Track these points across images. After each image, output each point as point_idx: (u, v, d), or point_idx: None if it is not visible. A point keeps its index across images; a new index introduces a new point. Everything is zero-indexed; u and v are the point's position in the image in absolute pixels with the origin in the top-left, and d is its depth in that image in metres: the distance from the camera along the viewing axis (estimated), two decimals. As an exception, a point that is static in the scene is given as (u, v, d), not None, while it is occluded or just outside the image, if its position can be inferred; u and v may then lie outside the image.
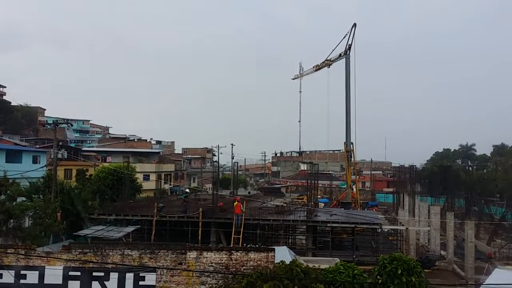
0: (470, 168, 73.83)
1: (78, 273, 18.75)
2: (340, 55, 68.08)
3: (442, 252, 40.55)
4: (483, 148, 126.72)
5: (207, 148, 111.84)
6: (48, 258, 19.06)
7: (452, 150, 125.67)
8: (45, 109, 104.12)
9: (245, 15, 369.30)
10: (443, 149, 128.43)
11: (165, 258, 19.49)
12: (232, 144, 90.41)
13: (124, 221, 36.72)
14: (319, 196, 65.89)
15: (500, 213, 53.56)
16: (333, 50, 70.15)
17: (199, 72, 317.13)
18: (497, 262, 36.34)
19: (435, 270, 35.26)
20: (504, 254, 42.24)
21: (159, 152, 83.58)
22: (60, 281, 18.55)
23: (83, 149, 71.53)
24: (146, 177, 62.09)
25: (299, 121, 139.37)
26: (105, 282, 18.62)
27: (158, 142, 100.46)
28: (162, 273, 19.14)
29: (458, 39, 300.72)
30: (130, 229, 34.50)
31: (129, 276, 18.67)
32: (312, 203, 44.56)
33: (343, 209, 51.24)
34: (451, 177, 68.25)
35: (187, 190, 40.91)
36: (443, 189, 65.46)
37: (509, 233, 47.67)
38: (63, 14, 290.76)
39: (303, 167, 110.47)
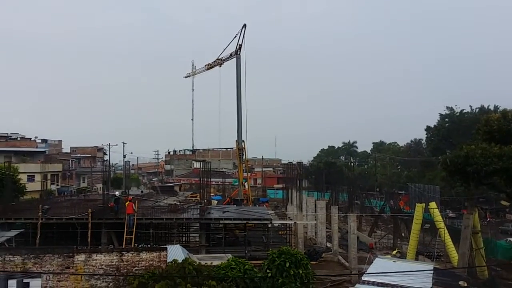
0: (352, 164, 78.72)
1: (-48, 283, 17.46)
2: (231, 54, 68.87)
3: (328, 244, 42.43)
4: (364, 145, 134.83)
5: (97, 147, 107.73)
6: None
7: (336, 147, 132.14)
8: None
9: (134, 10, 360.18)
10: (328, 146, 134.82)
11: (51, 262, 18.81)
12: (123, 143, 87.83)
13: (6, 225, 34.44)
14: (212, 194, 66.40)
15: (380, 206, 57.03)
16: (224, 50, 70.76)
17: (85, 66, 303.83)
18: (377, 252, 38.98)
19: (322, 262, 36.70)
20: (384, 244, 45.14)
21: (45, 151, 79.43)
22: None
23: (-42, 148, 65.83)
24: (31, 178, 58.79)
25: (192, 119, 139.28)
26: (-15, 291, 17.53)
27: (44, 141, 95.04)
28: (48, 278, 18.47)
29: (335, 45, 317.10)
30: (12, 233, 32.49)
31: (12, 283, 17.67)
32: (205, 200, 44.90)
33: (235, 205, 52.13)
34: (335, 172, 72.30)
35: (117, 193, 39.22)
36: (328, 184, 69.03)
37: (388, 224, 51.20)
38: None
39: (197, 165, 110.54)
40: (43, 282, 18.25)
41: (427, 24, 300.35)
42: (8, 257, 18.63)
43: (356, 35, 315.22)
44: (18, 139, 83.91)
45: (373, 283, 18.91)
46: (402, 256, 34.67)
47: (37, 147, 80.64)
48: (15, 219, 34.89)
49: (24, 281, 17.88)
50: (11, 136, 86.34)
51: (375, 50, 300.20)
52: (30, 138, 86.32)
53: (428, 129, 74.93)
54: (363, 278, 20.04)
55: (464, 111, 72.11)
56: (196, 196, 66.68)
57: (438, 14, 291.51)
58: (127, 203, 34.06)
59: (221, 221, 37.42)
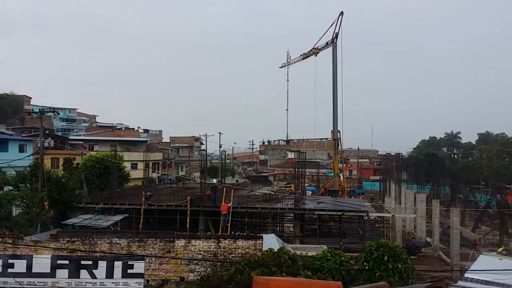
0: (456, 156, 74.54)
1: (66, 262, 18.79)
2: (327, 43, 67.97)
3: (428, 239, 40.91)
4: (469, 136, 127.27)
5: (194, 136, 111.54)
6: (36, 247, 19.06)
7: (438, 138, 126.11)
8: (31, 98, 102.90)
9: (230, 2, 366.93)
10: (429, 137, 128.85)
11: (153, 246, 19.60)
12: (219, 133, 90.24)
13: (112, 210, 36.60)
14: (306, 184, 66.10)
15: (485, 201, 54.08)
16: (320, 39, 70.11)
17: (183, 58, 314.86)
18: (482, 249, 36.78)
19: (421, 257, 35.49)
20: (489, 240, 42.68)
21: (146, 141, 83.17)
22: (48, 270, 18.58)
23: (70, 137, 70.95)
24: (134, 166, 61.94)
25: (287, 110, 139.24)
26: (94, 271, 18.68)
27: (146, 131, 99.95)
28: (150, 261, 19.26)
29: (443, 29, 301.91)
30: (118, 217, 34.40)
31: (118, 264, 18.75)
32: (300, 191, 44.72)
33: (330, 197, 51.50)
34: (437, 165, 68.96)
35: (214, 181, 40.68)
36: (429, 176, 66.07)
37: (494, 220, 48.22)
38: None
39: (291, 155, 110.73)
40: (146, 264, 19.06)
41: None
42: (115, 240, 19.67)
43: (453, 20, 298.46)
44: (123, 129, 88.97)
45: (477, 281, 17.74)
46: (509, 253, 32.50)
47: (139, 137, 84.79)
48: (120, 204, 37.07)
49: (128, 263, 18.83)
50: (116, 126, 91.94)
51: (485, 33, 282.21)
52: (133, 128, 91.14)
53: (540, 119, 69.12)
54: (466, 275, 18.89)
55: None
56: (290, 187, 66.73)
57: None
58: (223, 204, 34.49)
59: (315, 212, 37.11)
